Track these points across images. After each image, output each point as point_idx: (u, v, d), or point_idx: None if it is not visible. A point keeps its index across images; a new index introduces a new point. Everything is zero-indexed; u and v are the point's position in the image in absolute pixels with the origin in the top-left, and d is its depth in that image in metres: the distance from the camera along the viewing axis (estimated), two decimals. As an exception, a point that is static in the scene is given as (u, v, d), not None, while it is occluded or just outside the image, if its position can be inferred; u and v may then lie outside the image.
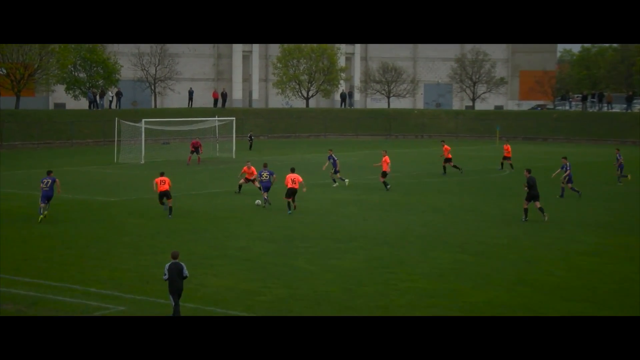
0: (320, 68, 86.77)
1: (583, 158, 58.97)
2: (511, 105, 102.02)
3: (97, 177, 42.80)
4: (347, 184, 39.64)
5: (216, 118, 61.72)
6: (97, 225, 28.23)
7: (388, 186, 37.86)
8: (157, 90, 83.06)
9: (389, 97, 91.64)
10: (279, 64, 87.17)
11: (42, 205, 28.85)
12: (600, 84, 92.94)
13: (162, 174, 31.83)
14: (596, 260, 23.17)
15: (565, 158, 36.93)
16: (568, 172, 35.89)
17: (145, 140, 54.48)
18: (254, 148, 65.12)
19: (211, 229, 27.66)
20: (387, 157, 38.64)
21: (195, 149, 51.87)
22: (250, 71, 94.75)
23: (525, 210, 29.64)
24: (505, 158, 49.00)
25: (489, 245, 25.11)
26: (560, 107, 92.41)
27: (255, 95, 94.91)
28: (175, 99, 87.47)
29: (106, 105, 76.61)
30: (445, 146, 46.55)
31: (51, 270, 21.33)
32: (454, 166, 45.91)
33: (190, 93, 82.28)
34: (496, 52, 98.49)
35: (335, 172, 39.77)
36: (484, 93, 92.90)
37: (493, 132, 79.74)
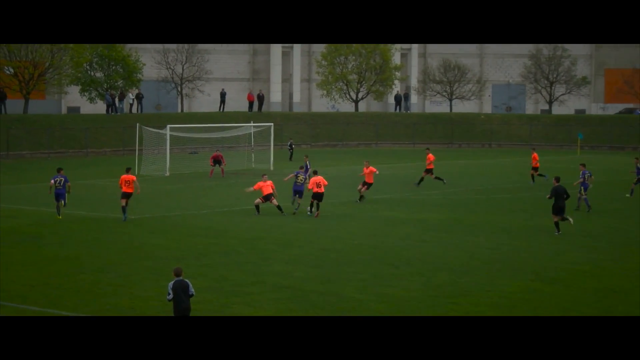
0: (371, 66, 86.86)
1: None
2: (595, 109, 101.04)
3: (115, 192, 43.22)
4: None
5: (252, 124, 62.10)
6: (114, 246, 28.55)
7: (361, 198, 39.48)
8: (184, 92, 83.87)
9: (451, 100, 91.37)
10: (323, 62, 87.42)
11: (58, 203, 31.51)
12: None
13: (128, 170, 34.11)
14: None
15: (583, 165, 39.07)
16: (581, 180, 38.13)
17: (170, 149, 55.02)
18: (295, 158, 65.38)
19: (245, 251, 27.82)
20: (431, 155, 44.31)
21: (217, 162, 52.24)
22: (291, 70, 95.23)
23: (556, 224, 31.20)
24: (534, 169, 49.47)
25: (568, 272, 24.88)
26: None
27: (296, 98, 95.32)
28: (205, 102, 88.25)
29: (126, 109, 77.58)
30: (430, 155, 47.12)
31: (63, 298, 21.60)
32: (436, 178, 46.28)
33: (222, 95, 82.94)
34: (577, 47, 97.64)
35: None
36: (562, 95, 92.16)
37: (574, 141, 79.02)
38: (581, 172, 38.29)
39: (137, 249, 28.10)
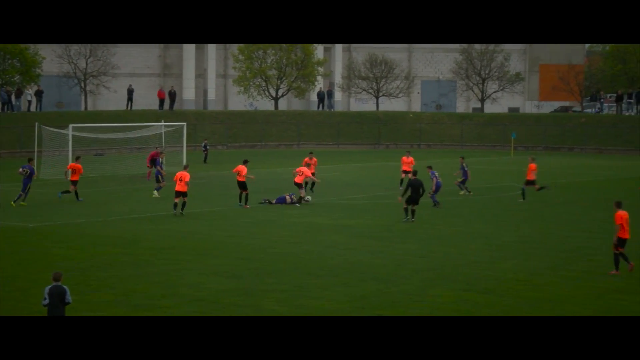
0: (292, 61, 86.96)
1: (617, 173, 59.44)
2: (529, 108, 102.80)
3: (12, 197, 42.50)
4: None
5: (163, 123, 61.64)
6: (12, 258, 28.05)
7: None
8: (88, 88, 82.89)
9: (378, 97, 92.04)
10: (240, 56, 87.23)
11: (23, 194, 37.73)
12: (639, 81, 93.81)
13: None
14: (636, 299, 23.33)
15: (462, 158, 45.60)
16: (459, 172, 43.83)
17: (73, 150, 54.29)
18: (210, 160, 65.11)
19: (157, 262, 27.60)
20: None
21: (154, 161, 51.60)
22: (206, 65, 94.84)
23: (405, 210, 35.98)
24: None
25: (502, 281, 25.23)
26: (589, 110, 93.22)
27: (211, 95, 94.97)
28: (111, 99, 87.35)
29: (24, 107, 76.30)
30: (404, 158, 48.17)
31: (-45, 314, 21.13)
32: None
33: (130, 92, 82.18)
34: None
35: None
36: (495, 92, 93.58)
37: (507, 141, 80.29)
38: (461, 165, 44.52)
39: (37, 260, 27.66)
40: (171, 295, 23.21)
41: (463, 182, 45.68)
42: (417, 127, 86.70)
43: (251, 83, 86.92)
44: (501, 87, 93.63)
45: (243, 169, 40.22)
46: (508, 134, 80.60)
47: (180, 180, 37.13)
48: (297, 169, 41.94)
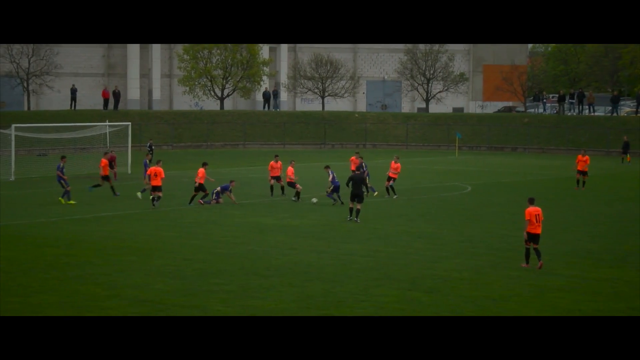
0: (237, 61, 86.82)
1: (560, 172, 60.16)
2: (473, 108, 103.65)
3: (-46, 198, 41.96)
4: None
5: (107, 123, 61.23)
6: (-47, 259, 27.67)
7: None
8: (30, 88, 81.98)
9: (323, 97, 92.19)
10: (185, 56, 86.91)
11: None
12: (580, 82, 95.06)
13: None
14: (575, 297, 23.63)
15: (359, 154, 45.43)
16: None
17: (15, 151, 53.70)
18: (155, 160, 64.66)
19: (100, 262, 27.40)
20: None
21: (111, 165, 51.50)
22: (150, 64, 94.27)
23: (350, 210, 35.99)
24: (581, 172, 49.21)
25: (446, 280, 25.40)
26: (532, 110, 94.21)
27: (156, 95, 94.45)
28: (54, 99, 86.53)
29: (-35, 106, 75.32)
30: (353, 158, 47.39)
31: None
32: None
33: (73, 92, 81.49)
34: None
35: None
36: (440, 92, 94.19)
37: (452, 141, 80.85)
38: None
39: (-22, 262, 27.31)
40: (115, 297, 23.05)
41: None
42: (363, 127, 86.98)
43: (196, 83, 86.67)
44: (445, 88, 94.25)
45: (202, 171, 40.69)
46: (453, 133, 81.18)
47: (155, 175, 39.13)
48: (276, 171, 43.47)
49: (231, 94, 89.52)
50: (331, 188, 41.19)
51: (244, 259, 28.22)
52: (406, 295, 23.59)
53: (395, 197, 43.63)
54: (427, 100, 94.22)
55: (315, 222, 35.99)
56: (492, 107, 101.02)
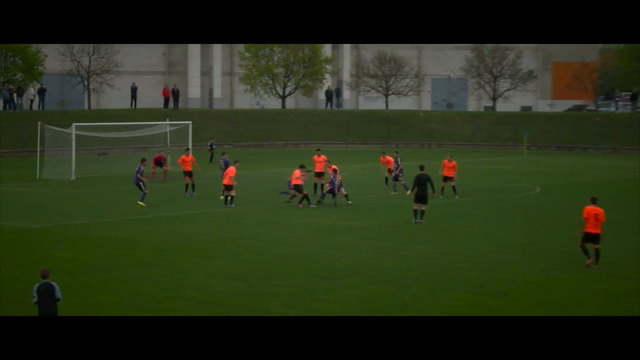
0: (299, 59, 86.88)
1: (634, 173, 59.16)
2: (542, 106, 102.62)
3: (14, 198, 42.52)
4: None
5: (167, 122, 61.62)
6: (13, 259, 28.00)
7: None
8: (91, 86, 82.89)
9: (387, 96, 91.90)
10: (247, 54, 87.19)
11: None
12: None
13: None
14: (653, 302, 23.20)
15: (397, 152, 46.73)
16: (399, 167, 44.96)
17: (76, 150, 54.26)
18: (216, 159, 65.00)
19: (161, 263, 27.54)
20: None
21: (159, 163, 52.55)
22: (211, 63, 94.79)
23: (415, 212, 35.52)
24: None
25: (515, 284, 25.09)
26: (604, 109, 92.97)
27: (217, 93, 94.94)
28: (114, 97, 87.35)
29: (26, 105, 76.32)
30: (388, 157, 47.66)
31: (-46, 317, 21.07)
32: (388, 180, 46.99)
33: (134, 90, 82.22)
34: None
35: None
36: (507, 90, 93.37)
37: (520, 140, 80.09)
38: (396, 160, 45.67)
39: (39, 261, 27.55)
40: (176, 298, 23.13)
41: (396, 177, 46.11)
42: (428, 126, 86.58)
43: (258, 81, 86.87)
44: (513, 86, 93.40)
45: (297, 172, 40.53)
46: (520, 133, 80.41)
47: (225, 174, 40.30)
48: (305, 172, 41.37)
49: (293, 93, 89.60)
50: (327, 189, 40.81)
51: (306, 260, 28.16)
52: (474, 299, 23.34)
53: (456, 197, 43.43)
54: (494, 99, 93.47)
55: (379, 224, 35.81)
56: (562, 105, 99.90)
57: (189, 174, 44.86)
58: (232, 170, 40.38)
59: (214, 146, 67.08)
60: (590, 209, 27.34)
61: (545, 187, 49.80)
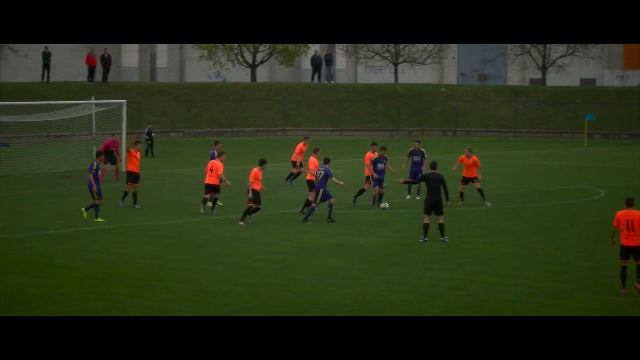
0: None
1: None
2: (610, 79, 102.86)
3: None
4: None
5: (93, 101, 61.55)
6: None
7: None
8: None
9: (396, 65, 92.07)
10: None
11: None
12: None
13: None
14: None
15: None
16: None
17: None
18: (158, 152, 65.00)
19: (83, 296, 27.52)
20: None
21: (111, 154, 51.25)
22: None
23: (425, 228, 35.29)
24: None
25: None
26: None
27: (161, 61, 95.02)
28: (19, 67, 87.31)
29: None
30: (301, 145, 49.47)
31: None
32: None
33: (46, 57, 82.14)
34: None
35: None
36: (562, 57, 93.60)
37: (580, 125, 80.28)
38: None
39: None
40: (103, 344, 23.17)
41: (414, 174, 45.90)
42: (452, 107, 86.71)
43: (218, 46, 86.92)
44: (570, 51, 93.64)
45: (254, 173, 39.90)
46: (581, 115, 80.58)
47: (212, 171, 40.94)
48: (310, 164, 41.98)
49: (267, 60, 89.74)
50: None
51: (283, 291, 28.20)
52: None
53: (488, 204, 43.58)
54: (543, 69, 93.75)
55: (386, 241, 35.82)
56: (637, 78, 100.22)
57: (133, 177, 43.40)
58: (219, 165, 40.75)
59: (152, 134, 66.86)
60: (623, 213, 27.96)
61: (613, 189, 49.93)
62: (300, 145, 50.62)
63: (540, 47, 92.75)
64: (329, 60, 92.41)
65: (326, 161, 40.67)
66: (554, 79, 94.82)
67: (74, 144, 60.76)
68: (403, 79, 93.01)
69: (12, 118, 61.78)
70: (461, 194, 43.99)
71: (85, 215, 39.30)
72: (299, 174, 50.22)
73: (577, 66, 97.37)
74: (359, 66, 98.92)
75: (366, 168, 43.64)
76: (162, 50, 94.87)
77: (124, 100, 61.09)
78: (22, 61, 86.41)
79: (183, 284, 29.13)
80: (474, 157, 44.48)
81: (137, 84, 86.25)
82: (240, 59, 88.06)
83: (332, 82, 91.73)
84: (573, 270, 31.40)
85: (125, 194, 43.19)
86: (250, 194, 39.07)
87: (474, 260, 32.71)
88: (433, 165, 36.03)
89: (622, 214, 27.93)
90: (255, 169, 39.56)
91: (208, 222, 39.79)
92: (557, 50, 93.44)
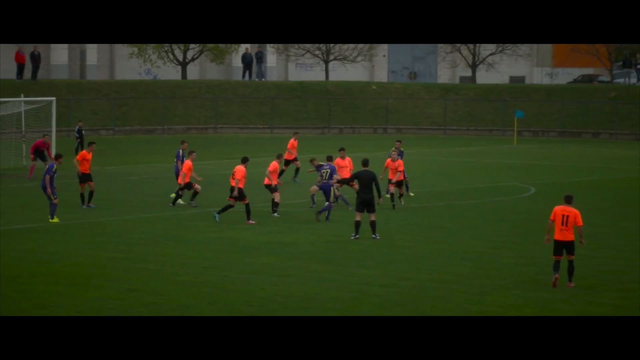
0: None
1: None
2: (539, 77, 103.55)
3: None
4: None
5: (22, 98, 61.15)
6: None
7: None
8: None
9: (327, 62, 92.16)
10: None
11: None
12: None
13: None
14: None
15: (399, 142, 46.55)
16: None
17: None
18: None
19: (12, 295, 27.34)
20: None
21: (41, 153, 51.45)
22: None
23: (357, 226, 35.26)
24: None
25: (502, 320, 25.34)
26: (621, 80, 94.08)
27: (91, 59, 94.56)
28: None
29: None
30: (293, 141, 51.42)
31: None
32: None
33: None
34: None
35: None
36: (492, 55, 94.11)
37: (509, 123, 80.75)
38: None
39: None
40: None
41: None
42: (383, 104, 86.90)
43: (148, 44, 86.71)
44: (500, 49, 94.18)
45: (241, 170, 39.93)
46: (510, 113, 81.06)
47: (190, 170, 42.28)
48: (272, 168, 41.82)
49: (197, 58, 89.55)
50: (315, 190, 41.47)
51: (215, 289, 28.17)
52: (445, 340, 23.54)
53: (408, 194, 44.80)
54: (473, 67, 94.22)
55: (317, 239, 35.90)
56: (566, 75, 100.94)
57: (87, 177, 42.92)
58: (188, 164, 42.28)
59: (83, 132, 66.40)
60: (560, 209, 28.39)
61: (543, 187, 50.30)
62: (292, 141, 52.89)
63: (470, 45, 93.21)
64: (260, 58, 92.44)
65: (329, 159, 41.15)
66: (483, 77, 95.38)
67: (3, 142, 60.30)
68: (334, 76, 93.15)
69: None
70: (391, 197, 43.57)
71: (56, 220, 38.65)
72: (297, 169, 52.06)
73: (506, 64, 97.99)
74: (289, 64, 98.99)
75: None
76: (92, 48, 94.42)
77: (54, 98, 60.80)
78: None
79: (114, 282, 29.02)
80: (400, 161, 44.02)
81: (67, 81, 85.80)
82: (171, 57, 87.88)
83: (263, 79, 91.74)
84: (503, 267, 31.59)
85: (82, 195, 42.74)
86: (236, 192, 39.00)
87: (405, 258, 32.86)
88: (365, 163, 36.09)
89: (560, 209, 28.35)
90: (241, 167, 39.47)
91: (140, 220, 39.68)
92: (486, 48, 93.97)
